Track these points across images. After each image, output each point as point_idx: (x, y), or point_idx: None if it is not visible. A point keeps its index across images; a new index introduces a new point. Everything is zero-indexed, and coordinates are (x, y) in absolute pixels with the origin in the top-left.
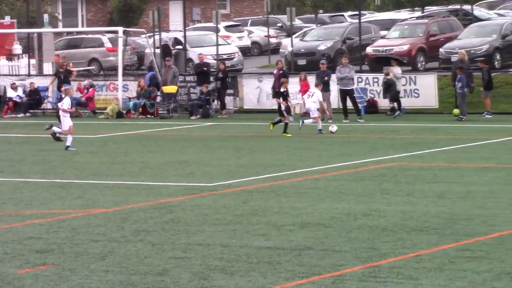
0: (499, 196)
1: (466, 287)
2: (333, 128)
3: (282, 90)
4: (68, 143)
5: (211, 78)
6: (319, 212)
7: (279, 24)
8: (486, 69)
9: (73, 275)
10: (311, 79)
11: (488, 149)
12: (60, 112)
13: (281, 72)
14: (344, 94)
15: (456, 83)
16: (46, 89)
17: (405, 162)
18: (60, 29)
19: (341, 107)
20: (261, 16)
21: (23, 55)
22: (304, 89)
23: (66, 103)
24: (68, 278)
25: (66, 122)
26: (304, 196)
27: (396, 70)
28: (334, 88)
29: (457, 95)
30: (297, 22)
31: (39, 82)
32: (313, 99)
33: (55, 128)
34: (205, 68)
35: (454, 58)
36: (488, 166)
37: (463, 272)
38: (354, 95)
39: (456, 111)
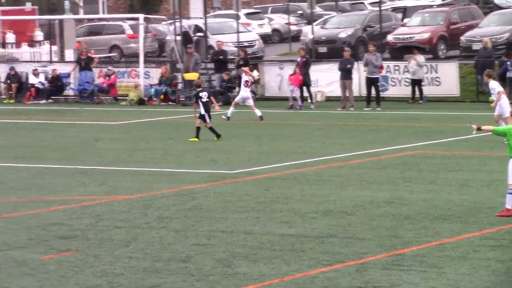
0: None
1: (490, 275)
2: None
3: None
4: None
5: (232, 66)
6: (342, 200)
7: (300, 12)
8: None
9: (97, 261)
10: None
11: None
12: None
13: (304, 59)
14: (370, 82)
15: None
16: (68, 75)
17: (428, 150)
18: (81, 15)
19: (364, 95)
20: (281, 4)
21: (45, 41)
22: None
23: None
24: (92, 264)
25: None
26: (327, 183)
27: (419, 58)
28: (356, 76)
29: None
30: (318, 9)
31: (61, 69)
32: (248, 89)
33: None
34: (221, 56)
35: (475, 47)
36: None
37: (487, 261)
38: (378, 83)
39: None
